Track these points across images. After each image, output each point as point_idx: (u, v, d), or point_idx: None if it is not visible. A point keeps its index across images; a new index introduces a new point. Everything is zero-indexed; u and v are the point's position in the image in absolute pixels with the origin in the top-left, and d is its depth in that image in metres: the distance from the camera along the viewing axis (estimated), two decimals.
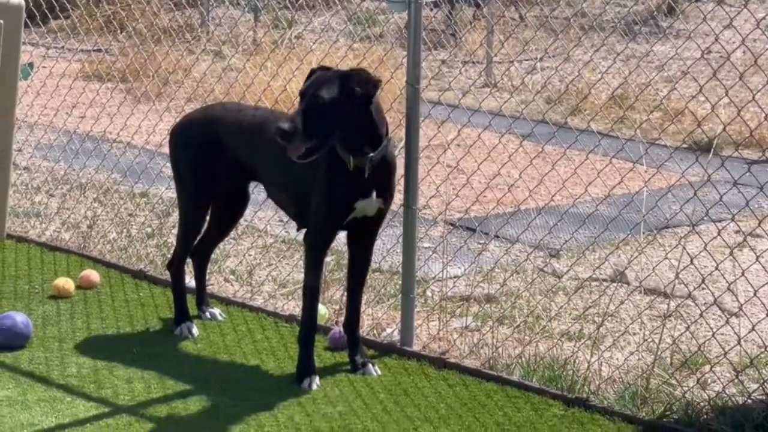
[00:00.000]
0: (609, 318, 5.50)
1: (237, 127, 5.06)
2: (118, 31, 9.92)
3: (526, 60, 11.67)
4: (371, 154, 4.66)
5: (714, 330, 4.97)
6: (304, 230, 4.88)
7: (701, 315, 5.04)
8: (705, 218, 5.53)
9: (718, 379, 4.76)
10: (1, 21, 6.07)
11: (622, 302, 5.59)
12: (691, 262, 4.93)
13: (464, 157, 6.35)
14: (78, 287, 5.75)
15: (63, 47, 9.91)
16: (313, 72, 4.73)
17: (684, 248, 5.08)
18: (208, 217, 5.38)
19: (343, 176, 4.67)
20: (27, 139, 8.14)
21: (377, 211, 4.79)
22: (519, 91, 10.11)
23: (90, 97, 8.01)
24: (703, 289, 5.61)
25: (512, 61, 11.02)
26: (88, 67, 9.64)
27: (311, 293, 4.81)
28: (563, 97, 9.70)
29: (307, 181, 4.76)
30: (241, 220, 5.83)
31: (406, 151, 5.14)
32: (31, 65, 10.04)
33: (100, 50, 10.06)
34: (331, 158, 4.66)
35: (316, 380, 4.77)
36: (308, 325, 4.83)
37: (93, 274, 5.84)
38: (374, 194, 4.73)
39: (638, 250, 6.10)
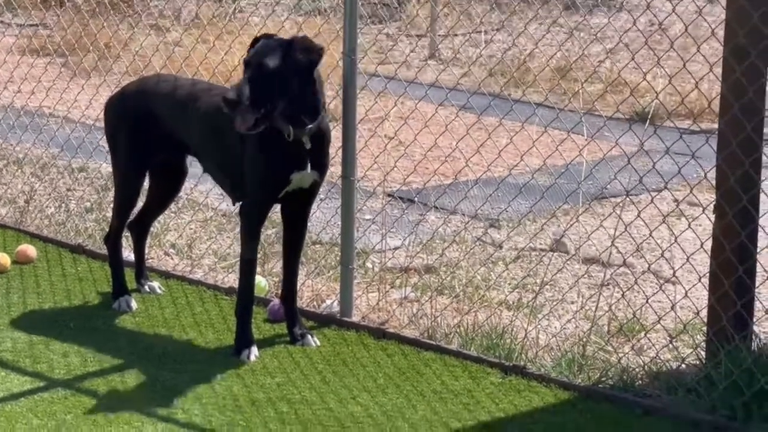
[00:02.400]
0: (547, 287, 5.54)
1: (171, 100, 5.03)
2: (57, 5, 9.80)
3: (471, 33, 11.67)
4: (310, 125, 4.65)
5: (649, 297, 5.02)
6: (239, 204, 4.86)
7: (636, 282, 5.09)
8: (642, 188, 5.56)
9: (653, 345, 4.81)
10: None
11: (559, 270, 5.63)
12: (625, 230, 4.98)
13: (403, 129, 6.35)
14: (14, 262, 5.71)
15: (0, 21, 9.78)
16: (257, 40, 4.68)
17: (620, 217, 5.11)
18: (147, 191, 5.37)
19: (278, 148, 4.65)
20: None
21: (312, 183, 4.77)
22: (463, 64, 10.11)
23: (26, 70, 7.91)
24: (640, 257, 5.66)
25: (455, 35, 11.02)
26: (23, 41, 9.51)
27: (247, 266, 4.81)
28: (506, 69, 9.71)
29: (239, 154, 4.74)
30: (181, 194, 5.81)
31: (344, 122, 5.14)
32: None
33: (37, 24, 9.96)
34: (264, 129, 4.64)
35: (255, 351, 4.78)
36: (245, 298, 4.83)
37: (30, 249, 5.80)
38: (309, 166, 4.72)
39: (575, 218, 6.13)
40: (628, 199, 5.70)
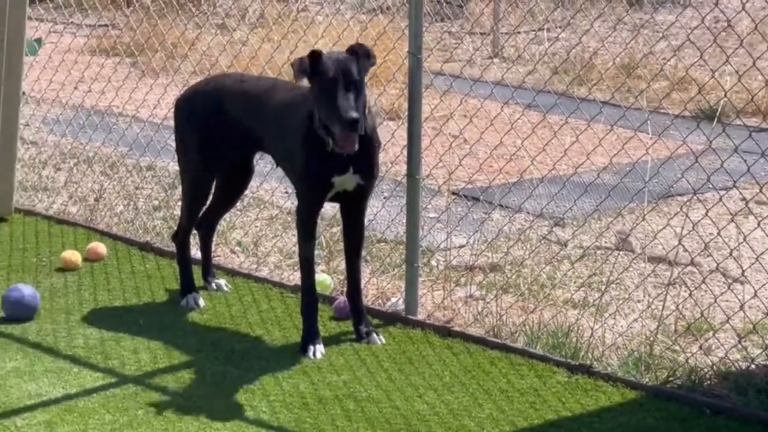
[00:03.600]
0: (613, 285, 5.52)
1: (241, 97, 5.06)
2: (125, 6, 9.92)
3: (535, 31, 11.64)
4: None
5: (717, 296, 4.99)
6: (288, 203, 4.90)
7: (703, 281, 5.05)
8: (709, 186, 5.52)
9: (722, 345, 4.78)
10: None
11: (625, 269, 5.60)
12: (693, 229, 4.94)
13: (468, 127, 6.35)
14: (85, 260, 5.79)
15: (70, 22, 9.90)
16: (315, 55, 4.58)
17: (687, 216, 5.08)
18: (214, 189, 5.42)
19: (321, 151, 4.65)
20: (34, 114, 8.15)
21: (356, 186, 4.77)
22: (527, 62, 10.09)
23: (96, 71, 8.02)
24: (707, 256, 5.63)
25: (518, 32, 11.00)
26: (94, 41, 9.65)
27: (306, 264, 4.85)
28: (570, 67, 9.68)
29: (292, 152, 4.78)
30: (247, 192, 5.86)
31: (409, 121, 5.15)
32: (38, 41, 10.06)
33: (106, 25, 10.08)
34: (308, 132, 4.66)
35: (321, 349, 4.80)
36: (308, 295, 4.87)
37: (100, 247, 5.88)
38: (351, 170, 4.72)
39: (642, 217, 6.11)
40: (695, 197, 5.66)
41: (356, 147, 4.51)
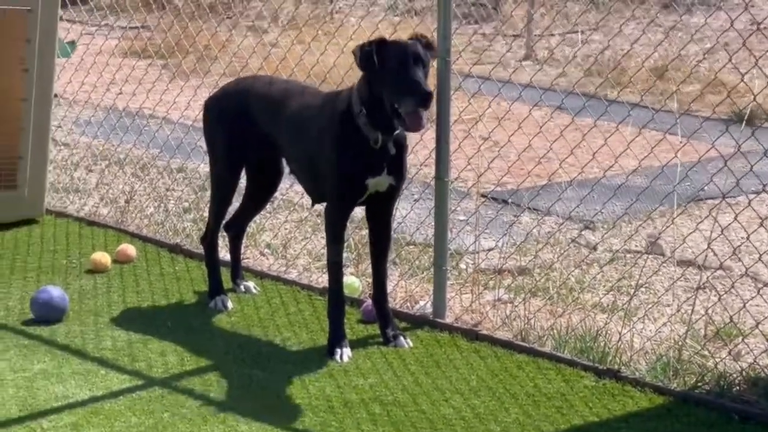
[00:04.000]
0: (642, 289, 5.49)
1: (265, 100, 5.07)
2: (159, 8, 9.95)
3: (568, 33, 11.61)
4: (397, 131, 4.67)
5: (746, 301, 4.95)
6: (317, 205, 4.91)
7: (733, 285, 5.01)
8: (739, 190, 5.48)
9: (751, 350, 4.75)
10: None
11: (654, 273, 5.57)
12: (722, 233, 4.91)
13: (497, 130, 6.33)
14: (115, 261, 5.81)
15: (103, 24, 9.95)
16: (382, 43, 4.59)
17: (716, 219, 5.05)
18: (244, 191, 5.44)
19: (355, 151, 4.67)
20: (66, 116, 8.20)
21: (388, 187, 4.78)
22: (559, 64, 10.06)
23: (127, 72, 8.06)
24: (737, 260, 5.58)
25: (552, 34, 10.96)
26: (125, 43, 9.67)
27: (334, 268, 4.84)
28: (602, 69, 9.64)
29: (318, 156, 4.78)
30: (277, 194, 5.87)
31: (438, 123, 5.14)
32: (72, 43, 10.12)
33: (138, 27, 10.12)
34: (343, 133, 4.67)
35: (348, 352, 4.80)
36: (335, 299, 4.86)
37: (130, 249, 5.90)
38: (385, 171, 4.73)
39: (671, 221, 6.08)
40: (725, 201, 5.62)
41: (424, 125, 4.53)
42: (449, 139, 5.14)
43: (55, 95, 8.50)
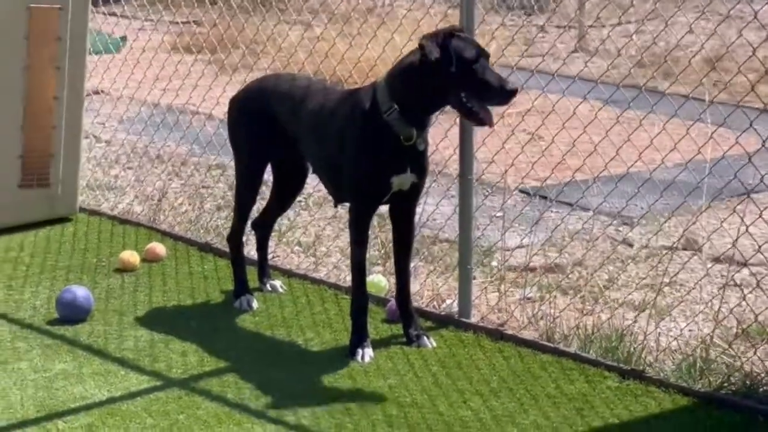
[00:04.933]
0: (677, 287, 5.37)
1: (286, 99, 5.03)
2: (211, 1, 9.93)
3: (621, 24, 11.43)
4: (428, 128, 4.64)
5: None
6: (340, 205, 4.87)
7: (758, 284, 4.87)
8: None
9: None
10: None
11: (681, 268, 5.42)
12: (746, 230, 4.77)
13: (533, 123, 6.23)
14: (143, 260, 5.81)
15: (150, 19, 9.95)
16: (451, 34, 4.53)
17: (761, 215, 4.88)
18: (270, 190, 5.41)
19: (380, 150, 4.61)
20: (111, 113, 8.22)
21: (411, 185, 4.72)
22: (610, 55, 9.89)
23: (173, 68, 8.05)
24: None
25: (603, 25, 10.80)
26: (170, 39, 9.68)
27: (357, 268, 4.78)
28: (655, 60, 9.47)
29: (339, 155, 4.72)
30: (310, 190, 5.82)
31: (461, 121, 5.06)
32: (123, 38, 10.15)
33: (187, 22, 10.12)
34: (366, 131, 4.61)
35: (370, 353, 4.75)
36: (358, 299, 4.81)
37: (159, 247, 5.90)
38: (408, 169, 4.67)
39: (713, 217, 5.94)
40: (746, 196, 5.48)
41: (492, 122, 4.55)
42: (473, 136, 5.06)
43: (101, 91, 8.56)
